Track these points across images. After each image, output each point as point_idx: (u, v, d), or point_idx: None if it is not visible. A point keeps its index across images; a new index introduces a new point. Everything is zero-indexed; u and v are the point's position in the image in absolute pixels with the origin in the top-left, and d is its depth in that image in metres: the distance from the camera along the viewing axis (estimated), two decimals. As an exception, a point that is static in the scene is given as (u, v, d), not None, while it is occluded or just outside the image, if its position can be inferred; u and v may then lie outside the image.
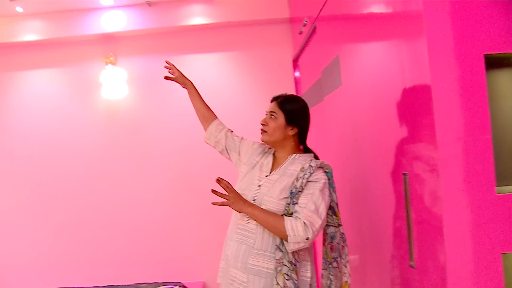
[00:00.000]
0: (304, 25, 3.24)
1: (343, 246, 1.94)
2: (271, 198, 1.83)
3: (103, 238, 4.24)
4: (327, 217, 1.90)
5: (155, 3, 4.13)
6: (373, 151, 1.96)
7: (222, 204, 1.83)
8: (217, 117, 2.23)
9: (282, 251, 1.78)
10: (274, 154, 2.02)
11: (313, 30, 3.08)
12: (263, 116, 2.03)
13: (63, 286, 3.19)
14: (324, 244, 1.95)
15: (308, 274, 1.86)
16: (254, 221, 1.84)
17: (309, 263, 1.88)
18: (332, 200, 1.89)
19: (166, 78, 2.26)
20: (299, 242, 1.73)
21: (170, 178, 4.23)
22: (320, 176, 1.84)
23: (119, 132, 4.27)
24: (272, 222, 1.78)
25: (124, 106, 4.28)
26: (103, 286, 3.15)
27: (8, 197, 4.31)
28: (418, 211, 1.49)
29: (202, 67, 4.26)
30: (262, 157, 2.04)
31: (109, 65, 4.23)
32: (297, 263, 1.81)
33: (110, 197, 4.25)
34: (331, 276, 1.91)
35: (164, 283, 3.12)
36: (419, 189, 1.46)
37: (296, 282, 1.77)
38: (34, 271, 4.26)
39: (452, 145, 1.31)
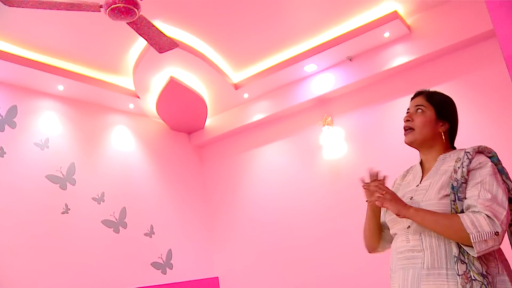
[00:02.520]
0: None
1: None
2: (430, 201, 1.47)
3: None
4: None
5: (356, 56, 4.22)
6: None
7: (377, 200, 1.49)
8: None
9: (466, 262, 1.36)
10: (420, 163, 1.68)
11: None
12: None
13: None
14: None
15: None
16: (416, 237, 1.47)
17: (507, 278, 1.38)
18: (509, 190, 1.45)
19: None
20: (486, 241, 1.32)
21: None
22: (483, 159, 1.47)
23: (343, 191, 4.26)
24: (444, 221, 1.39)
25: (345, 164, 4.33)
26: None
27: (251, 260, 4.80)
28: None
29: (416, 107, 4.00)
30: (406, 176, 1.73)
31: (326, 126, 4.43)
32: (489, 276, 1.36)
33: (340, 256, 4.20)
34: None
35: None
36: None
37: None
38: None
39: None
